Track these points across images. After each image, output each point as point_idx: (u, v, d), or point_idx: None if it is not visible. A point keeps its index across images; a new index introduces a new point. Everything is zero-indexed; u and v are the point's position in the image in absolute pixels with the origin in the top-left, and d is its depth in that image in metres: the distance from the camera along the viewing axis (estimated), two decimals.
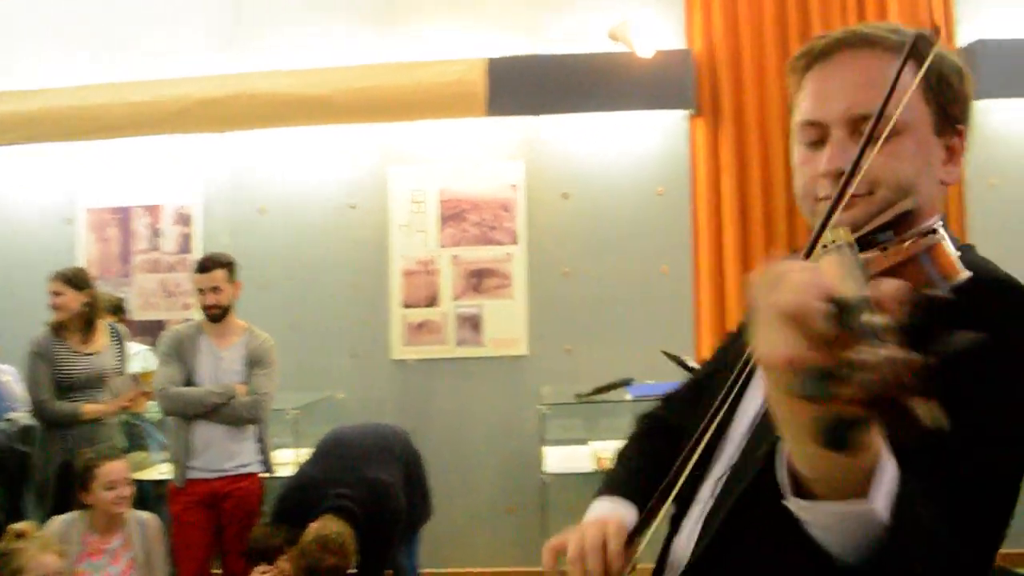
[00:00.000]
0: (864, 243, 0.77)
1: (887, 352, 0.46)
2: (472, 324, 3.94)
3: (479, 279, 3.94)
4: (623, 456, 1.18)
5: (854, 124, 0.89)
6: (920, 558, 0.62)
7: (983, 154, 3.80)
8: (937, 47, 0.89)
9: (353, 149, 3.97)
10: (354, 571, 2.67)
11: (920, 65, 0.86)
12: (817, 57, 0.93)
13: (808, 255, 0.75)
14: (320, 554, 2.51)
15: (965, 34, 3.77)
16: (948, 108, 0.91)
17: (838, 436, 0.48)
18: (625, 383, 3.46)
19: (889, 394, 0.46)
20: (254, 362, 3.03)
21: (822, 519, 0.60)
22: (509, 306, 3.92)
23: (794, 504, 0.61)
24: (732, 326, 0.99)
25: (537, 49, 3.82)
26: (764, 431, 0.85)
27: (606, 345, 3.81)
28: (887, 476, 0.58)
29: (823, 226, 0.77)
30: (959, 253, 0.72)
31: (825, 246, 0.73)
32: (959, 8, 3.78)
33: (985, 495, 0.73)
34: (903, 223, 0.84)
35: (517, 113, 3.79)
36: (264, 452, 3.07)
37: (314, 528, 2.57)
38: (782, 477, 0.62)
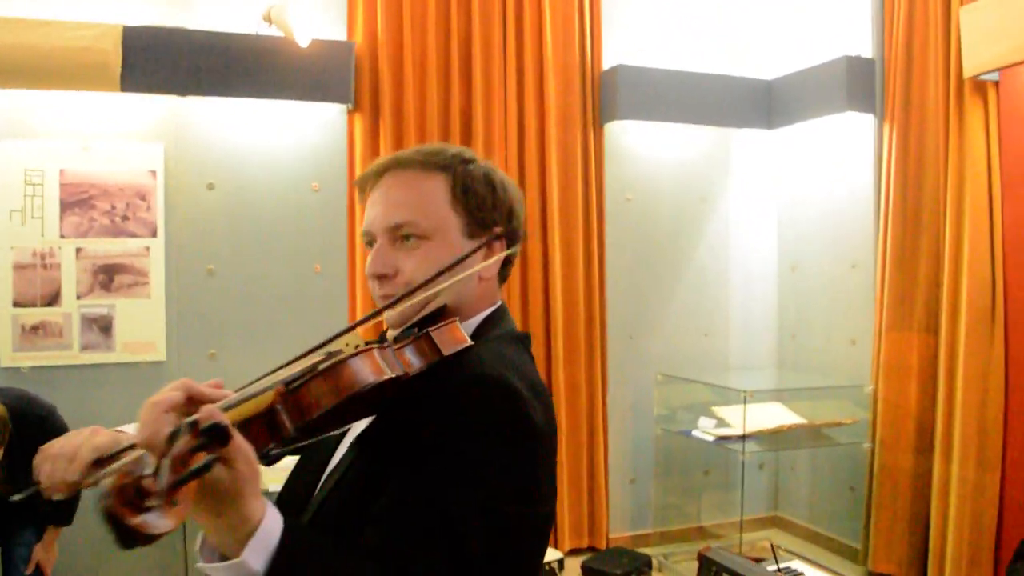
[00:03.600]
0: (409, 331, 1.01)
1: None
2: (101, 326, 3.46)
3: (110, 275, 3.48)
4: None
5: (391, 232, 1.05)
6: None
7: (620, 171, 4.14)
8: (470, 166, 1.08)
9: None
10: None
11: (455, 181, 1.06)
12: (370, 180, 1.10)
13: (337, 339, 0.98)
14: None
15: (608, 59, 4.08)
16: (477, 214, 1.07)
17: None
18: None
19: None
20: None
21: (216, 574, 0.80)
22: (145, 306, 3.50)
23: (200, 568, 0.81)
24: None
25: (182, 22, 3.45)
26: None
27: (255, 349, 3.55)
28: (267, 537, 0.79)
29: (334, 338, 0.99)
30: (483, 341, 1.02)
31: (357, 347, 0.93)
32: (605, 33, 4.07)
33: (430, 545, 0.86)
34: (443, 314, 1.03)
35: (157, 91, 3.37)
36: None
37: None
38: (199, 547, 0.84)
